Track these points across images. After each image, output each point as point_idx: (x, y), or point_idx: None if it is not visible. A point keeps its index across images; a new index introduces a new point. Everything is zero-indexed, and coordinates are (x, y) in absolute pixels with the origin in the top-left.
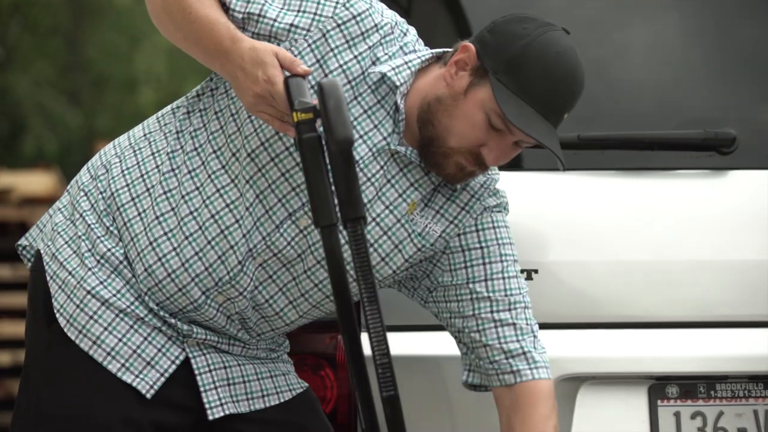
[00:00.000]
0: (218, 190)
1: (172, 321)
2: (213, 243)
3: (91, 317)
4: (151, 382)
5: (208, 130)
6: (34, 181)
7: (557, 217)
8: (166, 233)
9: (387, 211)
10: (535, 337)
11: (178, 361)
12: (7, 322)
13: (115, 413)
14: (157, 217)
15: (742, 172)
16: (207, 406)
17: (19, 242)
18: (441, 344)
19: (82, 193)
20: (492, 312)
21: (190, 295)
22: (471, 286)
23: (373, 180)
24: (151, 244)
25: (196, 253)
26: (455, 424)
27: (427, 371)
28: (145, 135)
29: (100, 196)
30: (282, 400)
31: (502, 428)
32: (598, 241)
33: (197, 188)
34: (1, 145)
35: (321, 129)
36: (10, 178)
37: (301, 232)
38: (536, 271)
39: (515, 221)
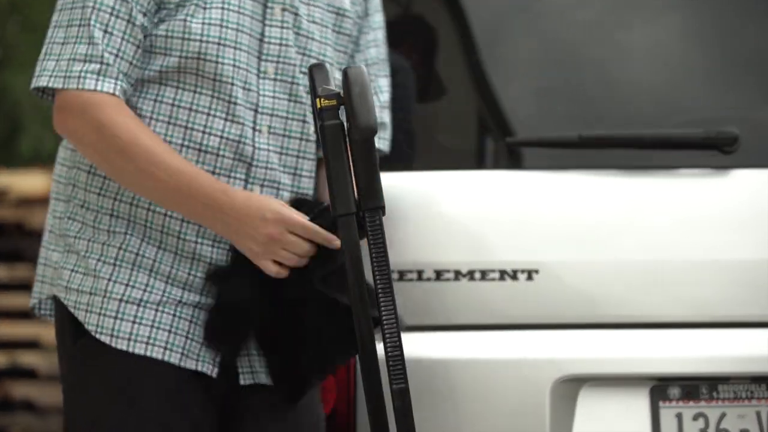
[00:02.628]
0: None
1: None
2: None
3: (133, 322)
4: (211, 361)
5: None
6: (31, 182)
7: (558, 216)
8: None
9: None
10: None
11: None
12: (4, 323)
13: (183, 404)
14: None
15: (745, 171)
16: (240, 371)
17: (32, 304)
18: (445, 346)
19: (65, 220)
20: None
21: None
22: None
23: None
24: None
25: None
26: (460, 427)
27: (432, 374)
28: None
29: (85, 211)
30: None
31: None
32: (599, 241)
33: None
34: None
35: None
36: (7, 178)
37: (274, 80)
38: (537, 272)
39: (515, 221)
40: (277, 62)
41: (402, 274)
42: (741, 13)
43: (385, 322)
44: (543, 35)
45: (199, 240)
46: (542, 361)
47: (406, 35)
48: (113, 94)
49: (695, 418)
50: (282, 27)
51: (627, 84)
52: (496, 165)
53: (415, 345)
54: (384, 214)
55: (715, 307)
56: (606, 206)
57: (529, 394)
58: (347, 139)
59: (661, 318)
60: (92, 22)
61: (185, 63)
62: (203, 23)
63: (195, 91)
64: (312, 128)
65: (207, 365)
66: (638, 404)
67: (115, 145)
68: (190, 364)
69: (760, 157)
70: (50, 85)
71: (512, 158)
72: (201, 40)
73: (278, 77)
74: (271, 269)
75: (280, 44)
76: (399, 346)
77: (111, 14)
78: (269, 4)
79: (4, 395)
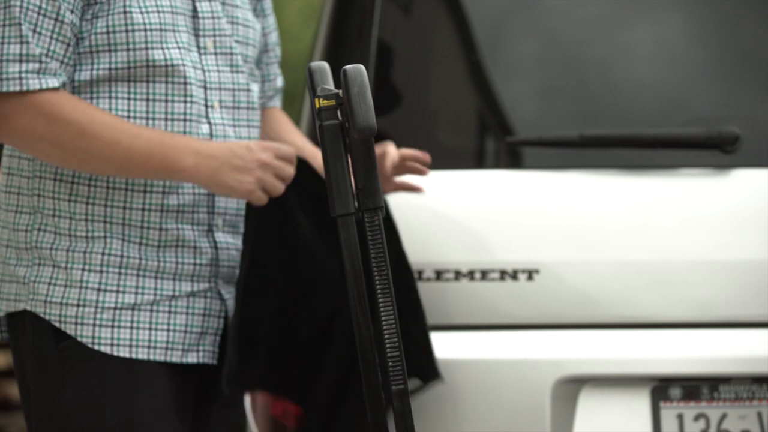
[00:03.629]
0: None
1: (203, 240)
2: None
3: (131, 327)
4: (211, 349)
5: None
6: None
7: (558, 216)
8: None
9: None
10: None
11: (222, 314)
12: None
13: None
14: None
15: (746, 171)
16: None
17: None
18: (445, 346)
19: (34, 232)
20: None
21: None
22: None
23: None
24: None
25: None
26: (460, 427)
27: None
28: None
29: (57, 219)
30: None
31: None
32: (600, 241)
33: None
34: None
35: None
36: None
37: (215, 54)
38: (537, 272)
39: (515, 221)
40: (214, 36)
41: None
42: (742, 13)
43: (384, 322)
44: (543, 34)
45: (180, 226)
46: (543, 362)
47: (407, 35)
48: (57, 88)
49: (696, 418)
50: (210, 0)
51: (628, 83)
52: (496, 165)
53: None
54: (383, 214)
55: (716, 307)
56: (606, 206)
57: (530, 395)
58: (346, 139)
59: (662, 318)
60: (22, 21)
61: (134, 55)
62: (142, 12)
63: (148, 81)
64: (255, 96)
65: (207, 354)
66: (639, 405)
67: (72, 131)
68: (192, 358)
69: (761, 156)
70: None
71: (512, 158)
72: (145, 29)
73: (218, 51)
74: (263, 198)
75: (213, 17)
76: (398, 347)
77: (38, 13)
78: None
79: (3, 396)
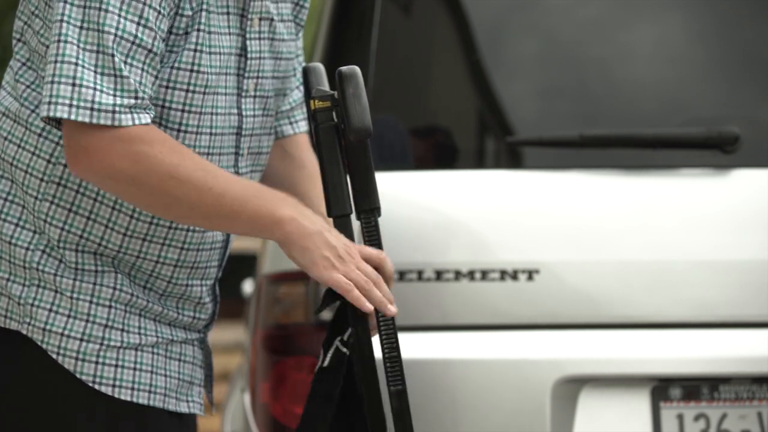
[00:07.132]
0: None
1: (203, 284)
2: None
3: (134, 369)
4: (198, 400)
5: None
6: None
7: (559, 216)
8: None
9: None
10: None
11: (204, 365)
12: None
13: None
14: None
15: (746, 171)
16: (210, 399)
17: None
18: (445, 346)
19: (36, 252)
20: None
21: None
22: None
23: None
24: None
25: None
26: (460, 427)
27: (432, 374)
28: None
29: (64, 250)
30: None
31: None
32: (600, 241)
33: None
34: None
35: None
36: None
37: (254, 97)
38: (537, 271)
39: (515, 221)
40: (257, 78)
41: (402, 274)
42: (742, 13)
43: (382, 323)
44: (544, 34)
45: (190, 282)
46: (543, 362)
47: (407, 35)
48: (148, 124)
49: (696, 418)
50: (260, 38)
51: (628, 83)
52: (496, 165)
53: (415, 345)
54: (380, 215)
55: (716, 307)
56: (606, 206)
57: (530, 395)
58: (341, 141)
59: (662, 318)
60: (115, 53)
61: (191, 98)
62: (210, 53)
63: (197, 133)
64: (271, 138)
65: (196, 405)
66: (639, 405)
67: (161, 172)
68: (183, 408)
69: (760, 156)
70: (73, 117)
71: (513, 158)
72: (208, 72)
73: (257, 93)
74: (351, 288)
75: (260, 57)
76: (396, 348)
77: (133, 43)
78: (248, 15)
79: None
